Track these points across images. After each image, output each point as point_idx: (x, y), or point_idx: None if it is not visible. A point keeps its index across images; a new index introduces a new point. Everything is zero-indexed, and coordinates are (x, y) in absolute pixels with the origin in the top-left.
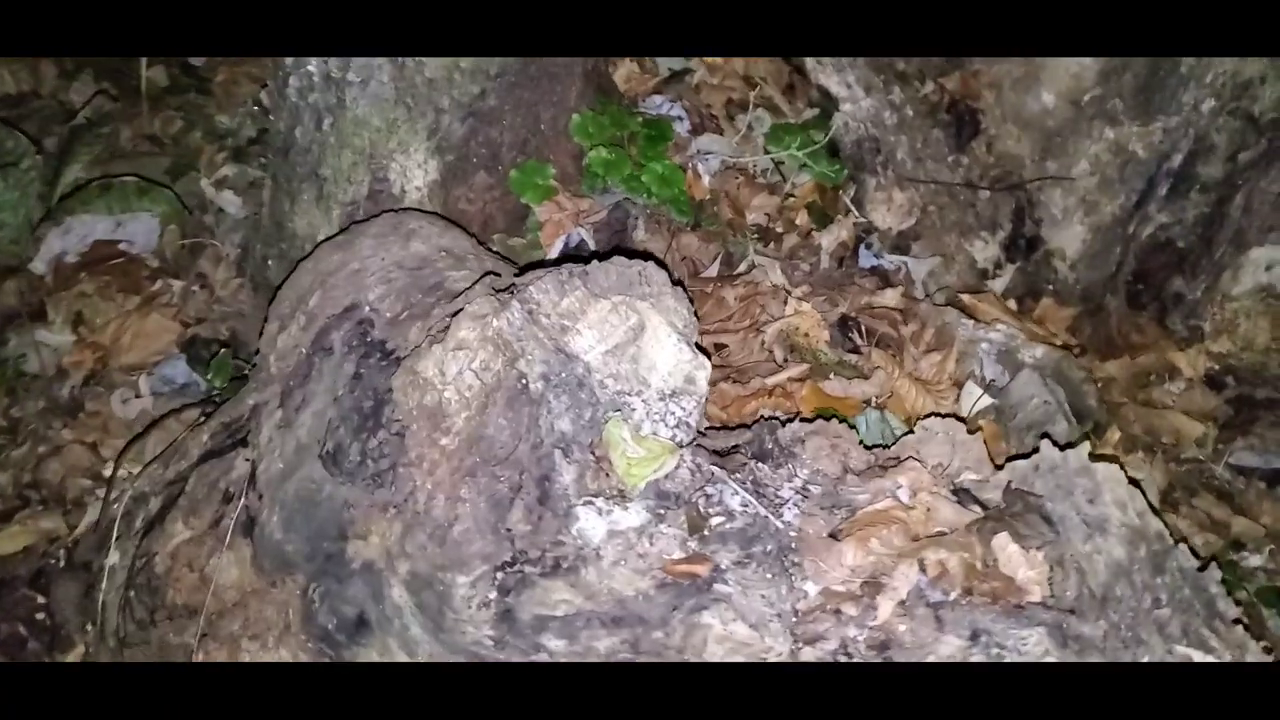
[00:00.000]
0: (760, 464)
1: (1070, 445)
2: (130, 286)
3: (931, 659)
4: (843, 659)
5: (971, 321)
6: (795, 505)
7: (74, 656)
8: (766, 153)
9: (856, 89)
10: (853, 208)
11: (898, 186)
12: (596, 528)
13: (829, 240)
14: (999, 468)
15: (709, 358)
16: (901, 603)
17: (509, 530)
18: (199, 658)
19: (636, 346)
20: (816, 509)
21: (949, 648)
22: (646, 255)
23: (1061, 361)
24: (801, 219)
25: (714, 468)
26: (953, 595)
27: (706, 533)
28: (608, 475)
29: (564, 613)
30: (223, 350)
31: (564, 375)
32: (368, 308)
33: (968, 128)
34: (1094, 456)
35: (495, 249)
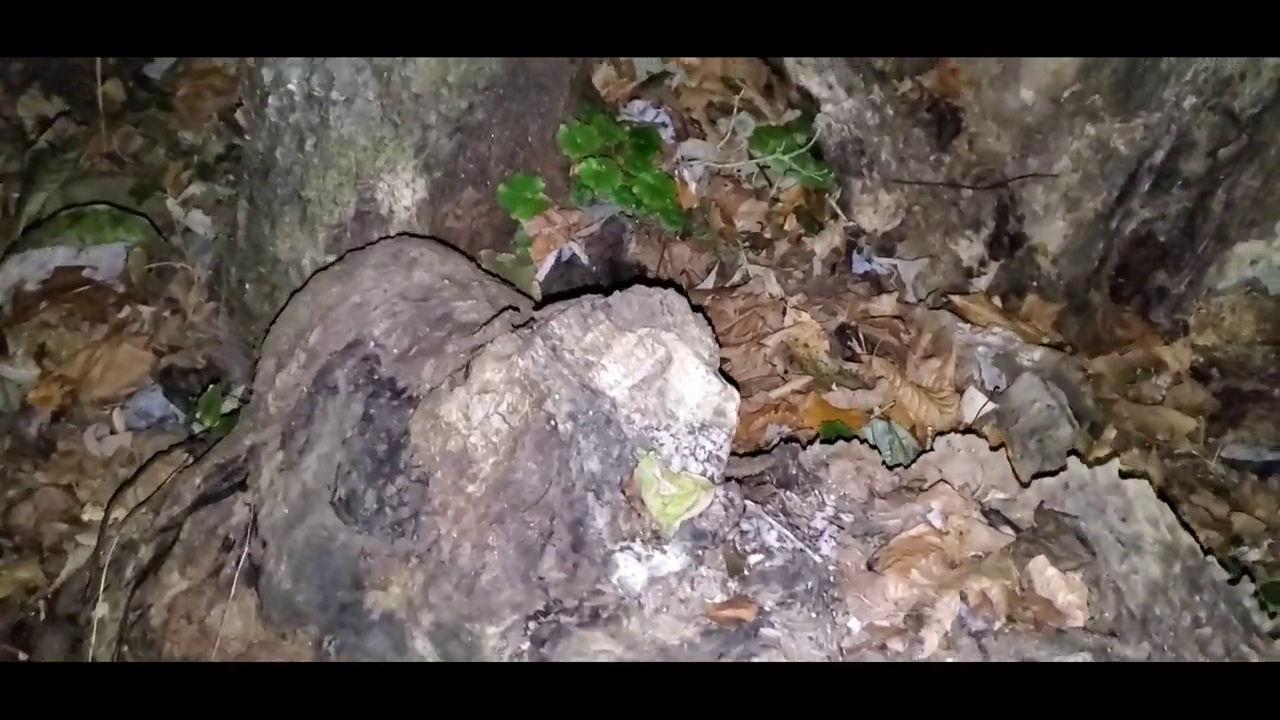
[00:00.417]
0: (788, 492)
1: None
2: (97, 315)
3: None
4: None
5: (968, 326)
6: (831, 537)
7: None
8: (751, 157)
9: (838, 89)
10: (840, 211)
11: (884, 188)
12: (637, 575)
13: (822, 246)
14: (1024, 485)
15: (737, 388)
16: (945, 634)
17: (541, 578)
18: None
19: (664, 380)
20: (850, 539)
21: None
22: (642, 269)
23: (1060, 364)
24: (790, 224)
25: (747, 501)
26: (997, 625)
27: (746, 572)
28: (640, 516)
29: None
30: (211, 386)
31: (591, 413)
32: (373, 343)
33: (949, 126)
34: (1097, 460)
35: (484, 266)
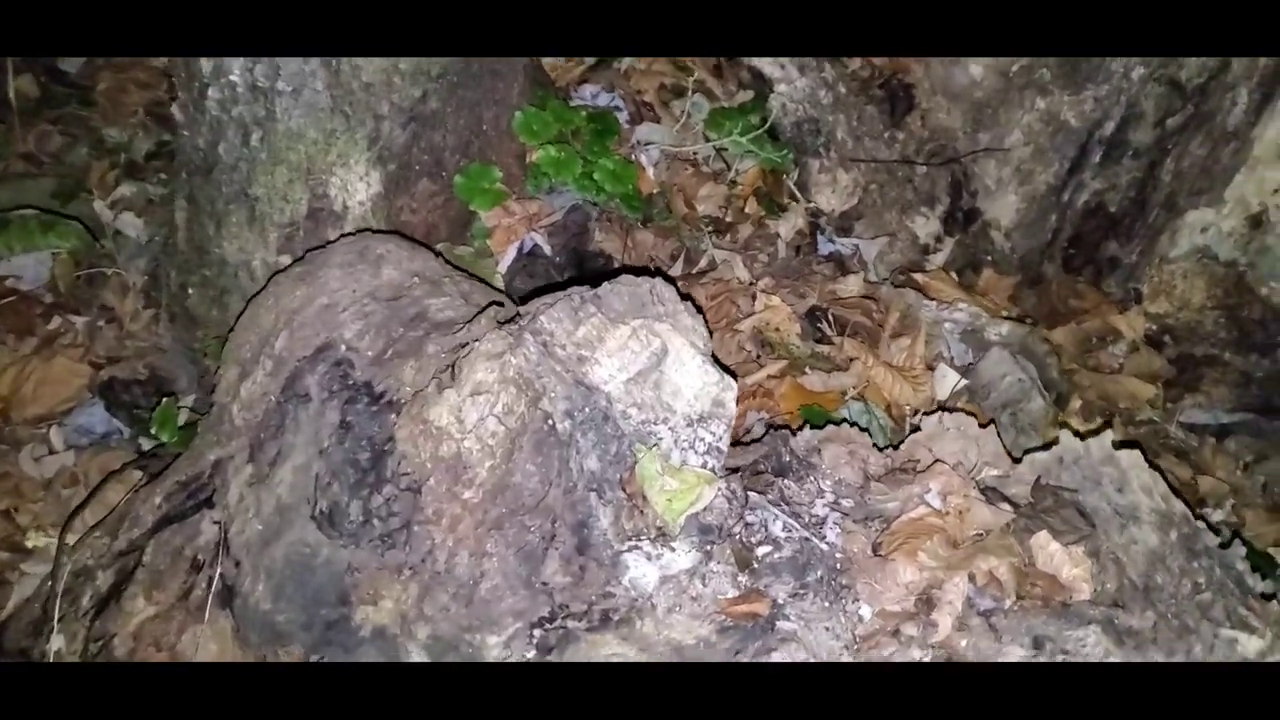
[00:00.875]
0: (785, 480)
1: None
2: (24, 328)
3: None
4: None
5: (933, 303)
6: (835, 524)
7: None
8: (708, 139)
9: (790, 68)
10: (798, 192)
11: (841, 167)
12: (648, 575)
13: (786, 229)
14: (1016, 461)
15: (734, 378)
16: (957, 616)
17: (545, 584)
18: None
19: (659, 372)
20: (853, 524)
21: (1013, 658)
22: (607, 258)
23: (1027, 337)
24: (751, 207)
25: (749, 493)
26: (1006, 603)
27: (755, 565)
28: (643, 513)
29: None
30: (165, 399)
31: (588, 410)
32: (344, 346)
33: (901, 102)
34: (1076, 433)
35: (447, 260)
